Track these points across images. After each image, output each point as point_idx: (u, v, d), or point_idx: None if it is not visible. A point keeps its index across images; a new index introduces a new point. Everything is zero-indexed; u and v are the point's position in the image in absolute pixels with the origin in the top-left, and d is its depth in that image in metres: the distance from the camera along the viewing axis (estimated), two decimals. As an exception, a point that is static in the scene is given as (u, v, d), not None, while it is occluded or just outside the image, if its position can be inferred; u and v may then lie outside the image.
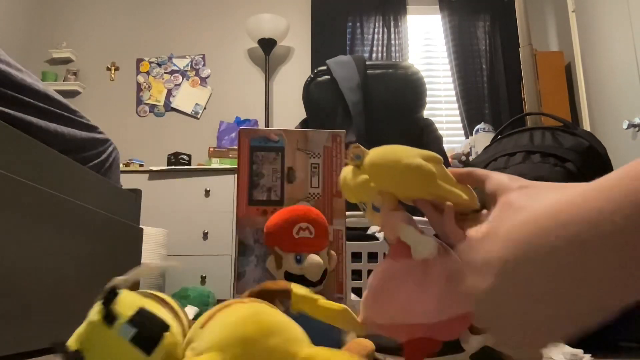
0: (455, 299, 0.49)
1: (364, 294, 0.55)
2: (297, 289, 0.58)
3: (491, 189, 0.45)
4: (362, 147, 0.54)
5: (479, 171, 0.50)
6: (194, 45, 3.83)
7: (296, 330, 0.46)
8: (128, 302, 0.57)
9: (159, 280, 2.80)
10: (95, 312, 0.57)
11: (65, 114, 1.28)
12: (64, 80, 3.71)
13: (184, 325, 0.63)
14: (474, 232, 0.40)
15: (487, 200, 0.48)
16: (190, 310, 0.72)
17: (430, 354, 0.51)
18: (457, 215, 0.51)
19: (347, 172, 0.56)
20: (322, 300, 0.57)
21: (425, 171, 0.50)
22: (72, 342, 0.57)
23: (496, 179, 0.46)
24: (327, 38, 3.71)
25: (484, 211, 0.51)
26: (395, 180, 0.52)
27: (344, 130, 0.92)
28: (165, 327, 0.58)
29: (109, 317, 0.55)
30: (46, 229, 1.07)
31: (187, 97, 3.77)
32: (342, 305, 0.57)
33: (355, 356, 0.58)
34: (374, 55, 3.71)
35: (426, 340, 0.51)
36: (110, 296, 0.56)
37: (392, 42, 3.72)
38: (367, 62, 2.13)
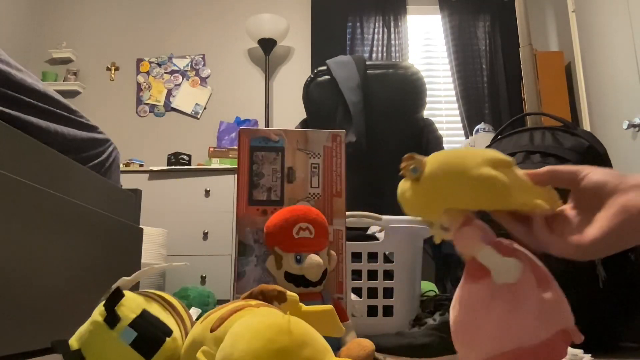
0: (554, 312, 0.45)
1: (452, 330, 0.49)
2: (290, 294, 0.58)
3: (592, 188, 0.44)
4: (417, 155, 0.47)
5: (564, 170, 0.47)
6: (194, 45, 3.83)
7: (322, 340, 0.46)
8: (131, 305, 0.57)
9: (159, 280, 2.80)
10: (98, 313, 0.57)
11: (65, 114, 1.28)
12: (64, 80, 3.71)
13: (187, 329, 0.63)
14: (578, 238, 0.43)
15: (580, 197, 0.46)
16: (195, 312, 0.71)
17: None
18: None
19: (404, 187, 0.49)
20: (305, 307, 0.56)
21: (498, 184, 0.44)
22: (73, 342, 0.57)
23: (596, 178, 0.44)
24: (327, 38, 3.71)
25: (566, 207, 0.48)
26: (463, 195, 0.45)
27: (344, 130, 0.92)
28: (167, 332, 0.58)
29: (111, 319, 0.55)
30: (46, 229, 1.07)
31: (187, 97, 3.77)
32: (327, 307, 0.57)
33: None
34: (374, 55, 3.71)
35: None
36: (114, 298, 0.56)
37: (392, 42, 3.72)
38: (367, 62, 2.13)
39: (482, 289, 0.46)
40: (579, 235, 0.44)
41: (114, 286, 0.58)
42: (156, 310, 0.60)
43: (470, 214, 0.47)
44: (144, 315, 0.57)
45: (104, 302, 0.56)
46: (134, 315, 0.56)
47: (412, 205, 0.49)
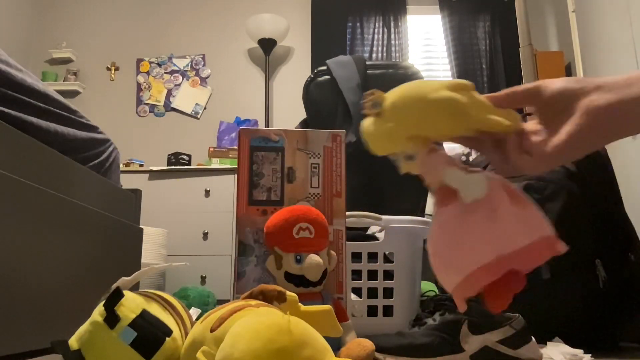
0: (531, 221, 0.44)
1: (432, 261, 0.49)
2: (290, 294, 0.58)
3: (555, 97, 0.44)
4: (377, 91, 0.48)
5: (523, 87, 0.47)
6: (194, 45, 3.84)
7: (322, 340, 0.46)
8: (131, 305, 0.57)
9: (159, 280, 2.80)
10: (97, 313, 0.56)
11: (65, 114, 1.28)
12: (64, 80, 3.71)
13: (187, 329, 0.63)
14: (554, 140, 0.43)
15: (544, 111, 0.46)
16: (195, 312, 0.71)
17: (516, 291, 0.45)
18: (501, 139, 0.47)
19: (368, 123, 0.50)
20: (304, 307, 0.56)
21: (456, 104, 0.45)
22: (73, 342, 0.57)
23: (557, 86, 0.45)
24: (327, 38, 3.71)
25: (531, 125, 0.48)
26: (423, 120, 0.46)
27: (344, 130, 0.92)
28: (167, 332, 0.57)
29: (111, 319, 0.55)
30: (46, 229, 1.07)
31: (187, 97, 3.77)
32: (326, 307, 0.57)
33: None
34: (374, 55, 3.71)
35: (509, 277, 0.44)
36: (114, 298, 0.56)
37: (392, 42, 3.72)
38: (367, 62, 2.13)
39: (455, 208, 0.46)
40: (547, 145, 0.44)
41: (114, 286, 0.58)
42: (156, 310, 0.60)
43: (434, 144, 0.48)
44: (144, 315, 0.57)
45: (103, 302, 0.56)
46: (133, 315, 0.56)
47: (376, 140, 0.49)
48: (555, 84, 0.45)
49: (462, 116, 0.45)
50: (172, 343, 0.58)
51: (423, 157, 0.47)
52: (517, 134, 0.47)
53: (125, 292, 0.58)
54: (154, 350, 0.56)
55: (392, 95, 0.48)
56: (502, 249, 0.43)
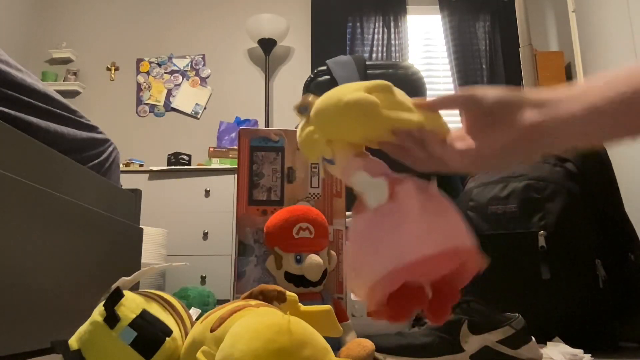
0: (439, 231, 0.43)
1: (345, 268, 0.49)
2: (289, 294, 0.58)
3: (489, 106, 0.45)
4: (311, 95, 0.49)
5: (458, 94, 0.47)
6: (194, 45, 3.83)
7: (322, 340, 0.46)
8: (131, 305, 0.57)
9: (159, 280, 2.80)
10: (97, 313, 0.56)
11: (65, 114, 1.28)
12: (64, 80, 3.71)
13: (187, 329, 0.63)
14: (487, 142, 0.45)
15: (475, 118, 0.46)
16: (194, 312, 0.71)
17: (418, 305, 0.44)
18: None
19: (298, 128, 0.50)
20: (304, 307, 0.56)
21: (368, 104, 0.44)
22: (73, 342, 0.57)
23: (493, 96, 0.45)
24: (327, 38, 3.71)
25: (459, 132, 0.48)
26: (337, 124, 0.46)
27: (344, 130, 0.92)
28: (167, 332, 0.57)
29: (111, 319, 0.55)
30: (46, 229, 1.07)
31: (187, 97, 3.77)
32: (326, 307, 0.57)
33: None
34: (374, 55, 3.71)
35: (411, 290, 0.44)
36: (114, 298, 0.56)
37: (392, 42, 3.72)
38: (367, 62, 2.13)
39: (365, 216, 0.45)
40: (472, 155, 0.45)
41: (114, 286, 0.58)
42: (156, 310, 0.60)
43: (362, 150, 0.48)
44: (144, 315, 0.57)
45: (103, 302, 0.56)
46: (133, 315, 0.56)
47: (302, 145, 0.49)
48: (492, 94, 0.45)
49: (374, 116, 0.44)
50: (172, 343, 0.58)
51: (341, 161, 0.47)
52: (439, 133, 0.47)
53: (125, 292, 0.58)
54: (154, 350, 0.56)
55: (318, 100, 0.48)
56: (400, 258, 0.42)
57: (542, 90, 0.45)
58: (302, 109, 0.48)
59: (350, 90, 0.45)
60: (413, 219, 0.43)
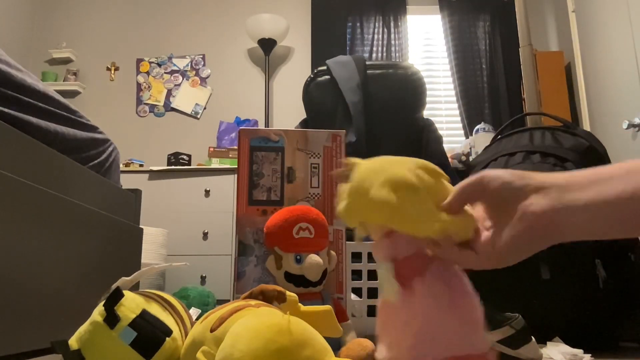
0: (453, 330, 0.42)
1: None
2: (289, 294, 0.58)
3: (499, 194, 0.43)
4: (354, 161, 0.47)
5: (468, 184, 0.45)
6: (194, 45, 3.83)
7: (322, 340, 0.46)
8: (131, 305, 0.57)
9: (159, 280, 2.80)
10: (97, 313, 0.56)
11: (65, 114, 1.28)
12: (64, 80, 3.71)
13: (187, 329, 0.63)
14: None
15: (489, 203, 0.44)
16: (194, 312, 0.71)
17: None
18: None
19: (341, 191, 0.49)
20: (304, 307, 0.56)
21: (387, 208, 0.43)
22: (73, 342, 0.57)
23: (498, 184, 0.43)
24: (327, 38, 3.71)
25: (479, 216, 0.46)
26: (367, 212, 0.44)
27: (344, 130, 0.92)
28: (167, 332, 0.57)
29: (111, 319, 0.55)
30: (46, 229, 1.07)
31: (187, 97, 3.77)
32: (326, 307, 0.57)
33: None
34: (374, 55, 3.71)
35: None
36: (114, 298, 0.56)
37: (392, 42, 3.72)
38: (367, 62, 2.13)
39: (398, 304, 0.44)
40: (490, 249, 0.43)
41: (114, 286, 0.58)
42: (156, 310, 0.60)
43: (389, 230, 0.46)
44: (144, 315, 0.57)
45: (103, 302, 0.56)
46: (133, 315, 0.56)
47: (342, 212, 0.48)
48: (497, 179, 0.43)
49: (398, 220, 0.43)
50: (172, 343, 0.58)
51: (375, 240, 0.46)
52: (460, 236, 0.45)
53: (125, 292, 0.58)
54: (154, 350, 0.56)
55: (355, 173, 0.46)
56: (437, 354, 0.41)
57: (551, 175, 0.43)
58: (346, 177, 0.47)
59: (378, 182, 0.43)
60: (426, 319, 0.42)
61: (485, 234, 0.44)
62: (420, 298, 0.43)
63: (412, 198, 0.43)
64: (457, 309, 0.43)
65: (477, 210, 0.46)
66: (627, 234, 0.40)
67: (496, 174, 0.43)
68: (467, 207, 0.45)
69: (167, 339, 0.57)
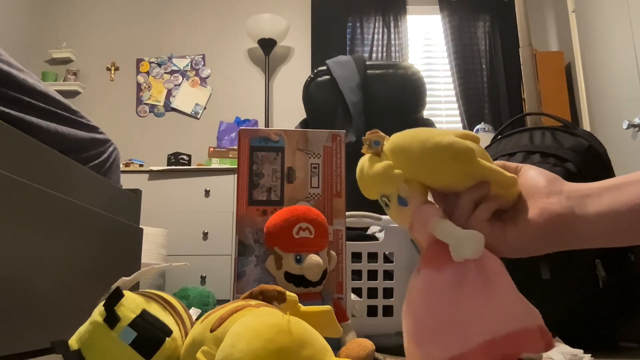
0: (520, 301, 0.40)
1: (409, 331, 0.43)
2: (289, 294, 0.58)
3: (525, 184, 0.45)
4: (380, 132, 0.46)
5: (510, 164, 0.47)
6: (194, 45, 3.83)
7: (322, 340, 0.46)
8: (131, 305, 0.57)
9: (158, 280, 2.80)
10: (97, 313, 0.56)
11: (66, 114, 1.28)
12: (64, 80, 3.71)
13: (187, 329, 0.63)
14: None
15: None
16: (194, 312, 0.71)
17: None
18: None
19: (364, 162, 0.47)
20: (304, 307, 0.56)
21: (464, 148, 0.42)
22: (72, 342, 0.57)
23: (530, 177, 0.45)
24: (327, 38, 3.71)
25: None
26: (425, 161, 0.43)
27: (344, 130, 0.92)
28: (167, 332, 0.57)
29: (111, 319, 0.55)
30: (46, 229, 1.07)
31: (187, 97, 3.77)
32: (326, 307, 0.57)
33: None
34: (374, 55, 3.71)
35: None
36: (114, 298, 0.56)
37: (392, 42, 3.72)
38: (367, 62, 2.13)
39: (445, 277, 0.41)
40: (501, 238, 0.44)
41: (114, 286, 0.58)
42: (156, 310, 0.60)
43: (428, 200, 0.45)
44: (144, 315, 0.57)
45: (103, 302, 0.56)
46: (133, 315, 0.56)
47: (369, 179, 0.46)
48: (530, 172, 0.45)
49: (468, 162, 0.42)
50: (172, 343, 0.58)
51: (417, 204, 0.44)
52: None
53: (125, 292, 0.58)
54: (154, 351, 0.56)
55: (397, 136, 0.45)
56: (495, 330, 0.38)
57: (576, 184, 0.43)
58: (375, 144, 0.46)
59: (441, 133, 0.43)
60: (504, 281, 0.40)
61: (498, 223, 0.44)
62: (489, 269, 0.40)
63: (476, 146, 0.43)
64: (497, 286, 0.40)
65: None
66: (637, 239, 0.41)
67: (530, 168, 0.45)
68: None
69: (167, 339, 0.57)
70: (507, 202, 0.45)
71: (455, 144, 0.42)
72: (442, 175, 0.43)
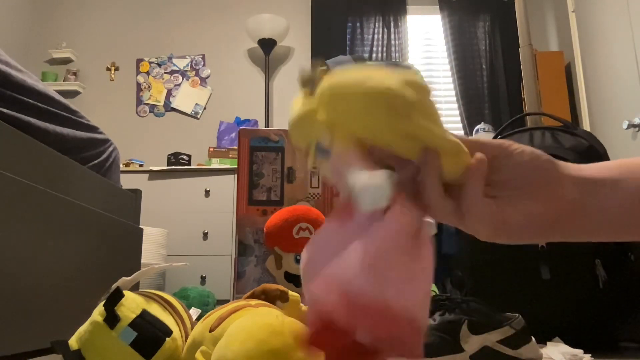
0: (413, 283, 0.33)
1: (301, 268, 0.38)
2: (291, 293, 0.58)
3: (522, 164, 0.38)
4: (321, 69, 0.39)
5: (493, 143, 0.39)
6: (194, 45, 3.83)
7: None
8: (131, 305, 0.57)
9: (158, 280, 2.80)
10: (97, 313, 0.56)
11: (66, 114, 1.28)
12: (64, 80, 3.71)
13: (187, 329, 0.63)
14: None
15: (502, 172, 0.38)
16: (195, 312, 0.71)
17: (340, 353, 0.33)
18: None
19: (296, 103, 0.41)
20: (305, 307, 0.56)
21: (398, 97, 0.34)
22: (73, 342, 0.57)
23: (527, 155, 0.38)
24: (327, 38, 3.71)
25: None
26: (352, 110, 0.35)
27: (344, 130, 0.92)
28: (167, 332, 0.57)
29: (111, 319, 0.55)
30: (46, 229, 1.07)
31: (187, 97, 3.76)
32: None
33: None
34: (374, 55, 3.71)
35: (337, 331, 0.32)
36: (114, 298, 0.56)
37: (392, 42, 3.72)
38: (367, 62, 2.13)
39: (345, 222, 0.35)
40: (499, 219, 0.38)
41: (114, 286, 0.58)
42: (156, 310, 0.59)
43: (362, 151, 0.37)
44: (144, 315, 0.57)
45: (103, 302, 0.56)
46: (133, 315, 0.56)
47: (297, 123, 0.40)
48: (527, 149, 0.39)
49: (403, 117, 0.35)
50: (172, 343, 0.58)
51: (337, 153, 0.37)
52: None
53: (125, 292, 0.58)
54: (154, 351, 0.56)
55: (332, 75, 0.38)
56: (358, 287, 0.31)
57: (581, 166, 0.40)
58: (308, 82, 0.39)
59: (380, 76, 0.35)
60: (394, 251, 0.33)
61: (487, 201, 0.38)
62: (393, 224, 0.33)
63: (422, 98, 0.35)
64: (422, 263, 0.34)
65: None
66: None
67: (525, 146, 0.39)
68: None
69: (167, 339, 0.57)
70: (453, 173, 0.37)
71: (391, 93, 0.34)
72: (370, 125, 0.36)
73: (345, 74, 0.37)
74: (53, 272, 1.09)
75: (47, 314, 1.06)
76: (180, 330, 0.61)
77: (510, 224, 0.38)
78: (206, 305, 2.36)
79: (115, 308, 0.56)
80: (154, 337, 0.56)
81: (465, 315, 0.83)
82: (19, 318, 0.96)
